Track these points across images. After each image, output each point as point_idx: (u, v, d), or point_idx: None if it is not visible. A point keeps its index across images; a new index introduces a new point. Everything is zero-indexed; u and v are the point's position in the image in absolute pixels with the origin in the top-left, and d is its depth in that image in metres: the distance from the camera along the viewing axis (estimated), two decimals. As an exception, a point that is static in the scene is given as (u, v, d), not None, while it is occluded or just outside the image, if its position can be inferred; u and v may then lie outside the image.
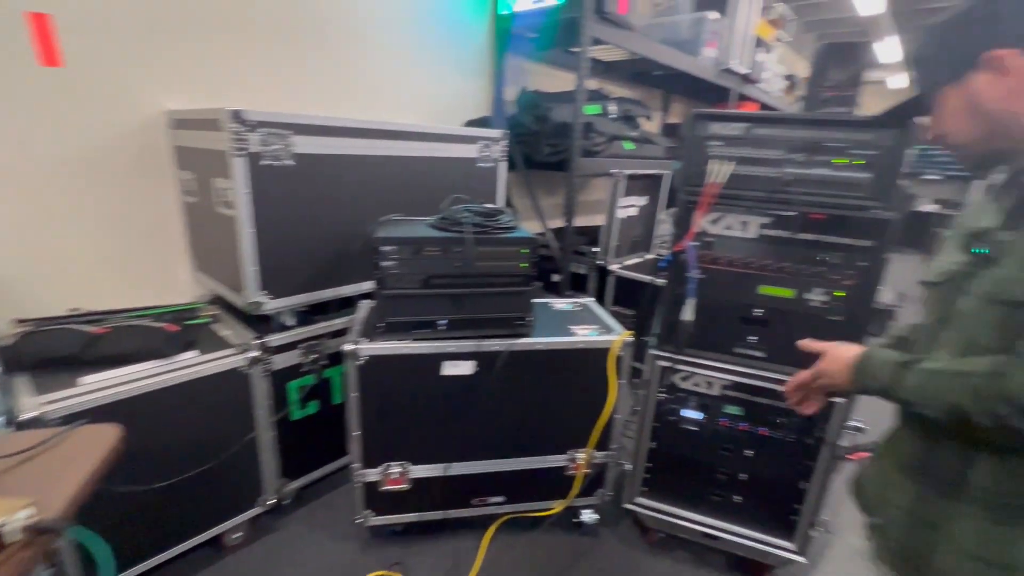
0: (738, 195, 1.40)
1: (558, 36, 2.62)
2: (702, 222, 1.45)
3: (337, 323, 1.78)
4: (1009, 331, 0.70)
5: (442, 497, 1.66)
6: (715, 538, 1.65)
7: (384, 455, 1.58)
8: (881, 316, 3.01)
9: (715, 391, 1.56)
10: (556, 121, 2.56)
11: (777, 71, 4.19)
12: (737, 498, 1.61)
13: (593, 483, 1.76)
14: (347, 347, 1.44)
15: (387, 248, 1.39)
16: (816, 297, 1.39)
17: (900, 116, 0.96)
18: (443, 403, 1.56)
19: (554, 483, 1.73)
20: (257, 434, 1.60)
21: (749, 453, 1.56)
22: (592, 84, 3.27)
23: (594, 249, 2.80)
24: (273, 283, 1.57)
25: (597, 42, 2.42)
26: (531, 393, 1.62)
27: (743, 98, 3.67)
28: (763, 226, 1.40)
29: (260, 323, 1.65)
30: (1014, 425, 0.65)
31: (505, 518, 1.76)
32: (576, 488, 1.73)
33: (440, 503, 1.67)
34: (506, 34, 2.71)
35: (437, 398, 1.55)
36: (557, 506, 1.75)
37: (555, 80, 3.14)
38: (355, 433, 1.52)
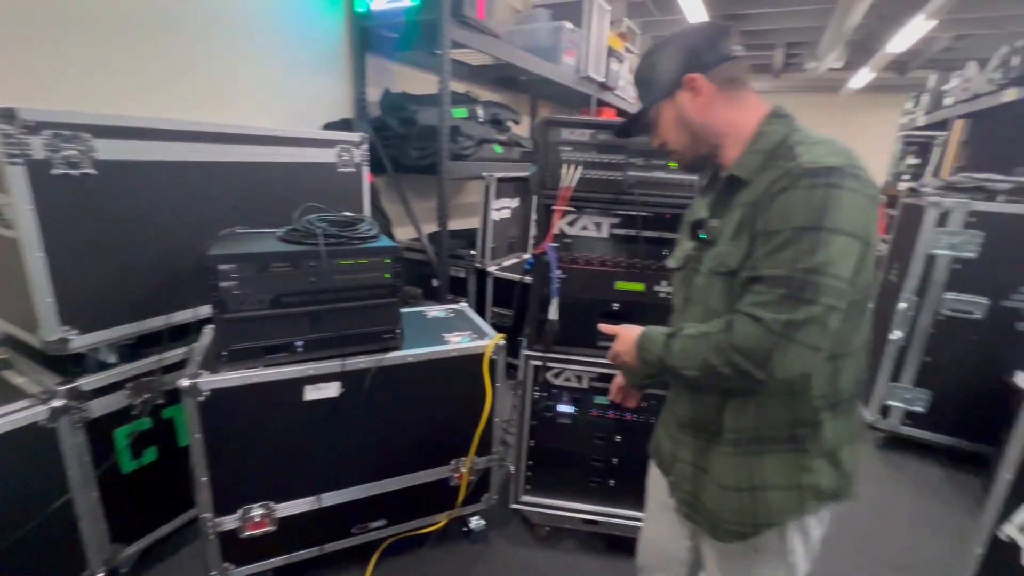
0: (589, 197, 1.47)
1: (418, 38, 2.56)
2: (560, 224, 1.50)
3: (174, 355, 1.55)
4: (731, 296, 0.84)
5: (316, 532, 1.53)
6: (596, 523, 1.74)
7: (242, 497, 1.40)
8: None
9: (585, 384, 1.64)
10: (423, 124, 2.51)
11: (630, 79, 4.57)
12: (612, 482, 1.71)
13: (478, 489, 1.75)
14: (183, 382, 1.25)
15: (225, 266, 1.24)
16: (664, 289, 1.52)
17: (631, 128, 1.09)
18: (309, 431, 1.43)
19: (439, 496, 1.69)
20: (73, 496, 1.33)
21: (619, 439, 1.66)
22: (459, 87, 3.28)
23: (471, 252, 2.81)
24: (80, 316, 1.32)
25: (458, 45, 2.42)
26: (407, 407, 1.55)
27: (601, 104, 3.93)
28: (613, 226, 1.50)
29: (69, 364, 1.37)
30: (746, 369, 0.76)
31: (389, 541, 1.68)
32: (461, 497, 1.70)
33: (315, 539, 1.54)
34: (365, 33, 2.60)
35: (301, 426, 1.42)
36: (443, 519, 1.71)
37: (421, 82, 3.09)
38: (202, 479, 1.33)
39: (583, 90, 3.69)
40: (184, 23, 1.92)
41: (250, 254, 1.26)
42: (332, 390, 1.42)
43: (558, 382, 1.66)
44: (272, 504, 1.43)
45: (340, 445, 1.48)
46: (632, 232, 1.48)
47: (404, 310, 1.77)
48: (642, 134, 1.06)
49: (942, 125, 4.70)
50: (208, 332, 1.54)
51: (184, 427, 1.62)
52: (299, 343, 1.36)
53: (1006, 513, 0.93)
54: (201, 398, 1.26)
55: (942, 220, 2.23)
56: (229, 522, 1.40)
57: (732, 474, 0.88)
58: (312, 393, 1.40)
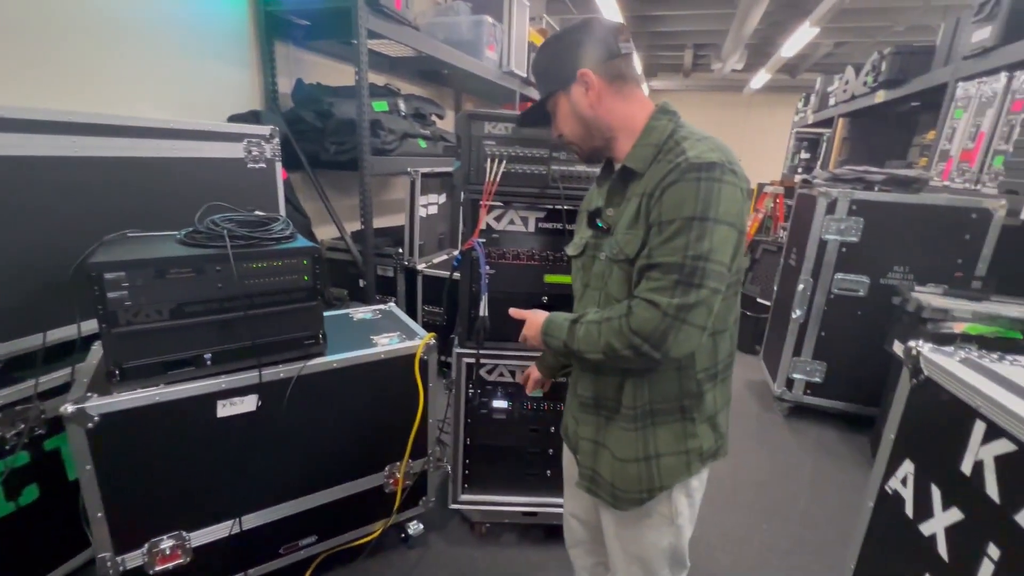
0: (515, 192, 1.47)
1: (332, 26, 2.44)
2: (487, 219, 1.49)
3: (55, 377, 1.36)
4: (628, 282, 0.90)
5: (239, 558, 1.42)
6: (535, 515, 1.76)
7: (148, 530, 1.27)
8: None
9: (518, 378, 1.64)
10: (341, 117, 2.39)
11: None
12: (548, 472, 1.74)
13: (415, 493, 1.71)
14: (67, 408, 1.10)
15: (112, 275, 1.10)
16: (590, 280, 1.56)
17: (532, 118, 1.11)
18: (224, 449, 1.32)
19: (374, 504, 1.63)
20: (-71, 553, 1.13)
21: (553, 429, 1.69)
22: (379, 79, 3.16)
23: (399, 250, 2.72)
24: (-72, 339, 1.12)
25: (374, 35, 2.32)
26: (335, 415, 1.48)
27: (525, 99, 3.96)
28: (540, 220, 1.51)
29: (-85, 397, 1.16)
30: (645, 351, 0.82)
31: (322, 558, 1.59)
32: (398, 503, 1.65)
33: (237, 565, 1.42)
34: (273, 19, 2.42)
35: (215, 445, 1.30)
36: (379, 527, 1.65)
37: (338, 73, 2.94)
38: (98, 515, 1.18)
39: (506, 85, 3.69)
40: (59, 9, 1.68)
41: (142, 260, 1.13)
42: (249, 404, 1.31)
43: (492, 378, 1.65)
44: (184, 534, 1.31)
45: (261, 462, 1.38)
46: (559, 226, 1.50)
47: (328, 313, 1.70)
48: (542, 125, 1.09)
49: (828, 123, 5.23)
50: (97, 350, 1.37)
51: (71, 459, 1.43)
52: (208, 355, 1.25)
53: (891, 469, 1.06)
54: (90, 425, 1.12)
55: (830, 208, 2.48)
56: (134, 559, 1.25)
57: (631, 447, 0.95)
58: (226, 409, 1.29)
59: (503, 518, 1.77)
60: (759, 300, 3.66)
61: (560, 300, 1.57)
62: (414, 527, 1.76)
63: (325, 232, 2.83)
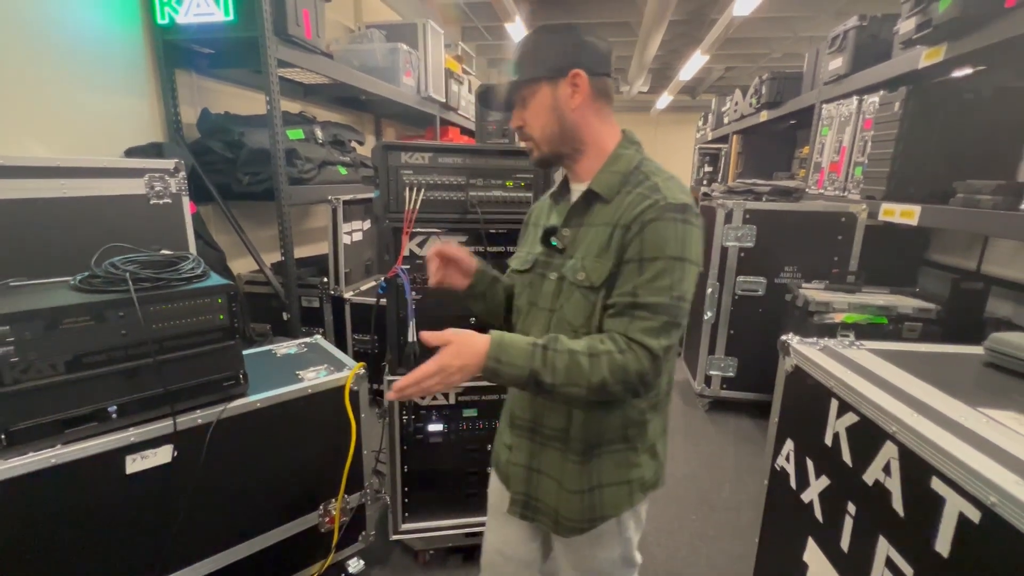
0: (435, 218, 1.51)
1: (239, 55, 2.37)
2: (409, 246, 1.52)
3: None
4: (588, 309, 0.89)
5: (158, 624, 1.31)
6: (477, 534, 1.76)
7: (48, 609, 1.14)
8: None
9: (452, 399, 1.67)
10: (253, 147, 2.32)
11: (471, 100, 4.77)
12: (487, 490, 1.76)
13: (354, 528, 1.66)
14: (-59, 484, 0.98)
15: (-7, 330, 1.01)
16: (515, 298, 1.62)
17: (500, 98, 0.99)
18: (135, 507, 1.22)
19: (309, 545, 1.56)
20: None
21: (490, 446, 1.72)
22: (293, 107, 3.10)
23: (323, 279, 2.66)
24: None
25: (284, 64, 2.30)
26: (262, 457, 1.42)
27: (445, 123, 4.04)
28: (462, 244, 1.56)
29: None
30: (635, 388, 0.83)
31: (255, 610, 1.50)
32: (335, 541, 1.60)
33: (157, 633, 1.31)
34: (172, 48, 2.31)
35: (125, 504, 1.20)
36: (316, 570, 1.58)
37: (248, 101, 2.85)
38: (-17, 600, 1.05)
39: (425, 110, 3.75)
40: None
41: (29, 311, 1.05)
42: (163, 455, 1.23)
43: (425, 402, 1.66)
44: (93, 606, 1.19)
45: (181, 517, 1.29)
46: (481, 248, 1.56)
47: (249, 351, 1.63)
48: (501, 108, 1.00)
49: (725, 139, 5.78)
50: (-23, 413, 1.23)
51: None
52: (112, 408, 1.16)
53: (777, 449, 1.20)
54: (-28, 498, 1.00)
55: (728, 218, 2.75)
56: (30, 644, 1.12)
57: (578, 479, 0.94)
58: (136, 464, 1.20)
59: (446, 542, 1.77)
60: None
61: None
62: (355, 564, 1.71)
63: (242, 265, 2.70)
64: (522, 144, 1.00)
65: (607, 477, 0.95)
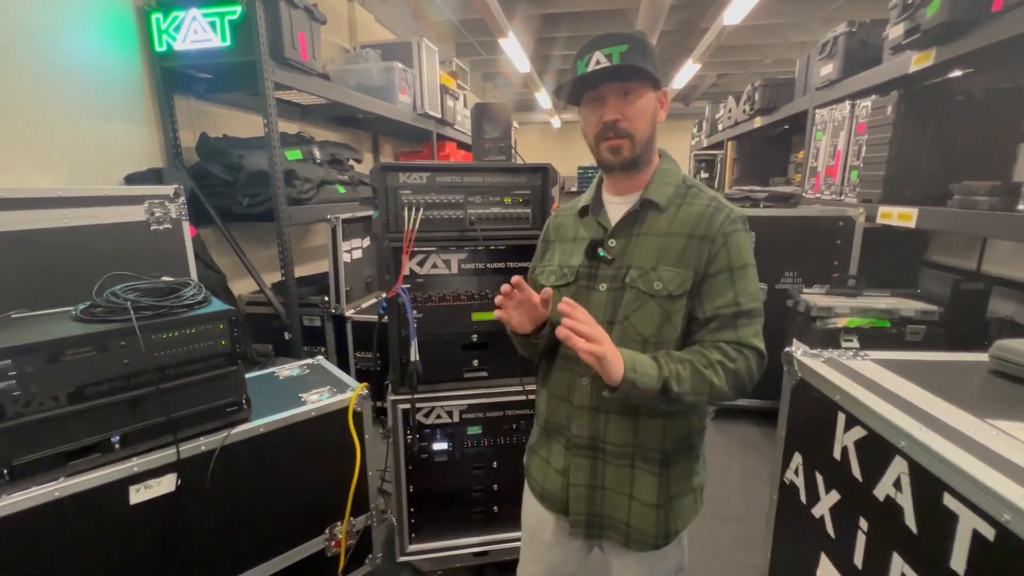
0: (434, 237, 1.52)
1: (236, 79, 2.40)
2: (410, 265, 1.52)
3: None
4: (663, 318, 0.91)
5: (164, 657, 1.29)
6: (486, 553, 1.75)
7: (52, 645, 1.13)
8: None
9: (456, 418, 1.66)
10: (252, 169, 2.34)
11: (467, 114, 4.81)
12: (495, 508, 1.74)
13: (361, 550, 1.65)
14: (-57, 522, 0.97)
15: (-5, 365, 1.01)
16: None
17: (626, 72, 0.91)
18: (140, 538, 1.21)
19: (317, 570, 1.54)
20: None
21: (495, 464, 1.71)
22: (291, 128, 3.13)
23: (324, 298, 2.66)
24: None
25: (282, 87, 2.32)
26: (266, 483, 1.41)
27: (442, 138, 4.07)
28: (462, 261, 1.56)
29: None
30: (745, 390, 0.91)
31: (262, 639, 1.48)
32: (342, 565, 1.58)
33: (163, 666, 1.29)
34: (170, 74, 2.34)
35: (129, 535, 1.19)
36: (323, 595, 1.56)
37: (246, 124, 2.88)
38: (-13, 639, 1.04)
39: (422, 126, 3.78)
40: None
41: (31, 344, 1.05)
42: (167, 484, 1.22)
43: (429, 421, 1.65)
44: (98, 641, 1.17)
45: (184, 545, 1.28)
46: (481, 265, 1.56)
47: (252, 374, 1.63)
48: (619, 79, 0.92)
49: (720, 145, 5.81)
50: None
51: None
52: (116, 438, 1.16)
53: (785, 462, 1.19)
54: (-26, 536, 1.00)
55: (727, 225, 2.75)
56: None
57: (655, 491, 0.95)
58: (140, 494, 1.19)
59: (455, 563, 1.75)
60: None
61: (492, 337, 1.62)
62: (362, 588, 1.69)
63: (243, 286, 2.71)
64: (608, 139, 0.94)
65: (676, 488, 0.98)
